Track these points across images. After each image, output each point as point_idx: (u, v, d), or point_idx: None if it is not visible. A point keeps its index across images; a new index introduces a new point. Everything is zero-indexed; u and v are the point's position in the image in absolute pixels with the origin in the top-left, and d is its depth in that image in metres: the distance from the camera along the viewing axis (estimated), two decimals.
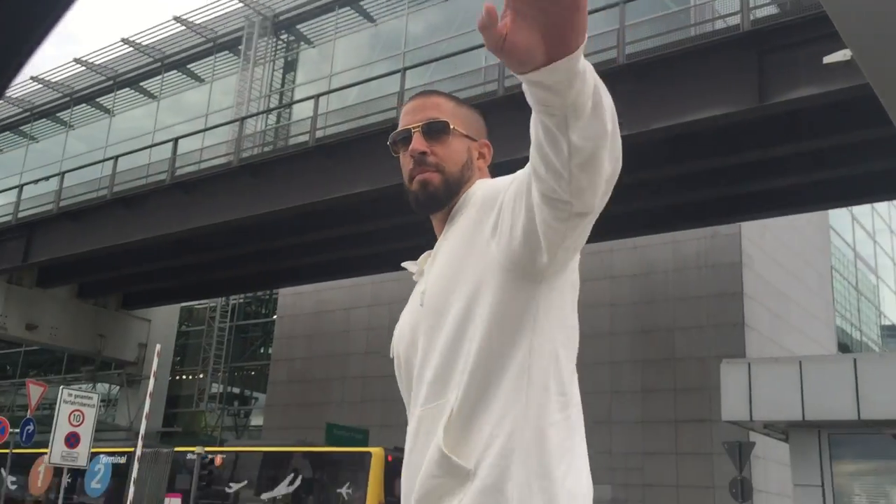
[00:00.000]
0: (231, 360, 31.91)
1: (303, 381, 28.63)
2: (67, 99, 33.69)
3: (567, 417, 1.63)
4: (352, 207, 20.12)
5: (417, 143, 1.76)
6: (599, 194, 1.47)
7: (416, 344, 1.74)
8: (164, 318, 32.56)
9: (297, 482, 17.14)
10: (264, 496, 17.38)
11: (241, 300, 32.60)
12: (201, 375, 31.83)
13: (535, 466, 1.53)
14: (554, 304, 1.69)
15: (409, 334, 1.78)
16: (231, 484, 17.94)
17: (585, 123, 1.31)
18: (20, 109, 35.44)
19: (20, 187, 26.06)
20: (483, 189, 1.73)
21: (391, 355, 1.90)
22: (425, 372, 1.69)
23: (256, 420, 31.43)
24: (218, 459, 16.63)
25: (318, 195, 19.51)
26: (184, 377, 34.02)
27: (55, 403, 30.15)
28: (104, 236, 23.69)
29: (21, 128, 36.47)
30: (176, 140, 22.35)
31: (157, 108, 31.73)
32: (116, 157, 23.63)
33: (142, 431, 16.48)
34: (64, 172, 25.20)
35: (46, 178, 25.47)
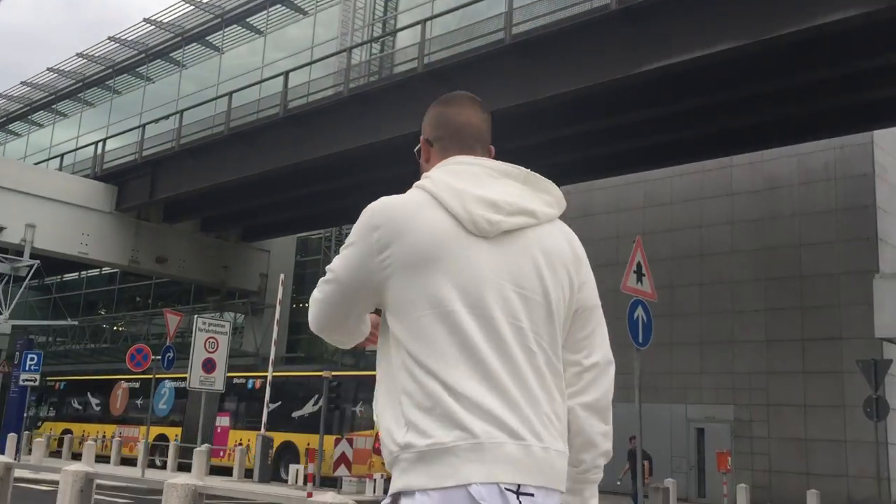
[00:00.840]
0: None
1: None
2: (179, 39, 34.55)
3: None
4: None
5: None
6: None
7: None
8: (282, 249, 33.63)
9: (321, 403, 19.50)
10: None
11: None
12: None
13: None
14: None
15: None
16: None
17: None
18: (135, 52, 36.63)
19: (142, 127, 27.06)
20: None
21: None
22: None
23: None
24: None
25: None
26: (303, 305, 35.26)
27: (184, 333, 32.19)
28: (223, 171, 24.47)
29: (137, 69, 37.74)
30: (287, 73, 22.61)
31: (263, 45, 32.18)
32: (231, 94, 24.18)
33: (272, 357, 17.24)
34: (182, 111, 25.97)
35: (166, 117, 26.34)
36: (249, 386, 23.95)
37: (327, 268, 1.79)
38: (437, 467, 1.58)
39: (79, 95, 41.23)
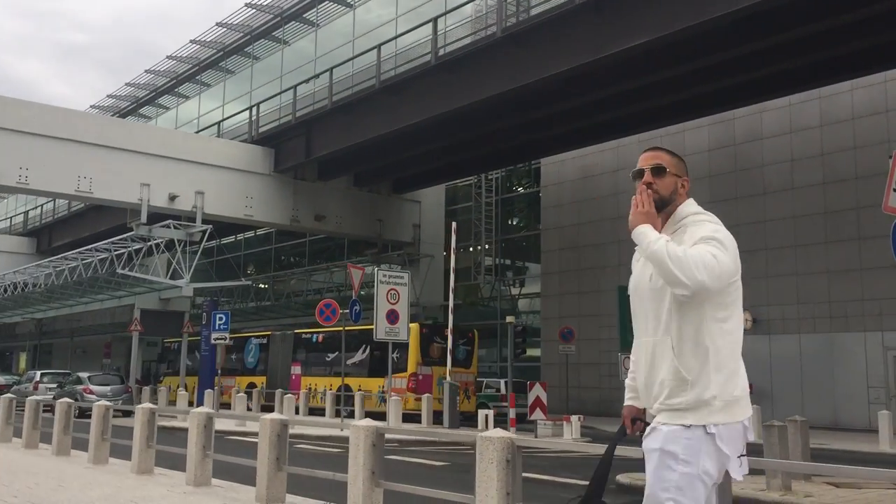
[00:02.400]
0: (500, 234, 32.65)
1: (575, 247, 28.69)
2: None
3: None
4: (622, 64, 19.14)
5: (647, 177, 2.85)
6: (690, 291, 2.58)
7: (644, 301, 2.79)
8: (432, 199, 33.79)
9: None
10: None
11: (501, 174, 32.91)
12: (472, 249, 32.92)
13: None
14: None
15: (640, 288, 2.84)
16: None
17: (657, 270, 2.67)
18: (271, 15, 37.26)
19: (294, 88, 27.52)
20: (690, 229, 2.77)
21: (628, 291, 2.90)
22: (649, 321, 2.77)
23: (531, 287, 32.18)
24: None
25: (589, 55, 18.74)
26: (460, 251, 35.48)
27: (340, 286, 33.17)
28: (375, 125, 24.59)
29: (274, 33, 38.42)
30: (435, 19, 22.29)
31: None
32: (379, 46, 24.12)
33: (450, 305, 17.24)
34: (332, 68, 26.18)
35: (317, 76, 26.63)
36: (313, 339, 27.10)
37: (718, 246, 2.63)
38: (733, 409, 2.62)
39: (220, 64, 42.50)
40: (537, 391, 14.93)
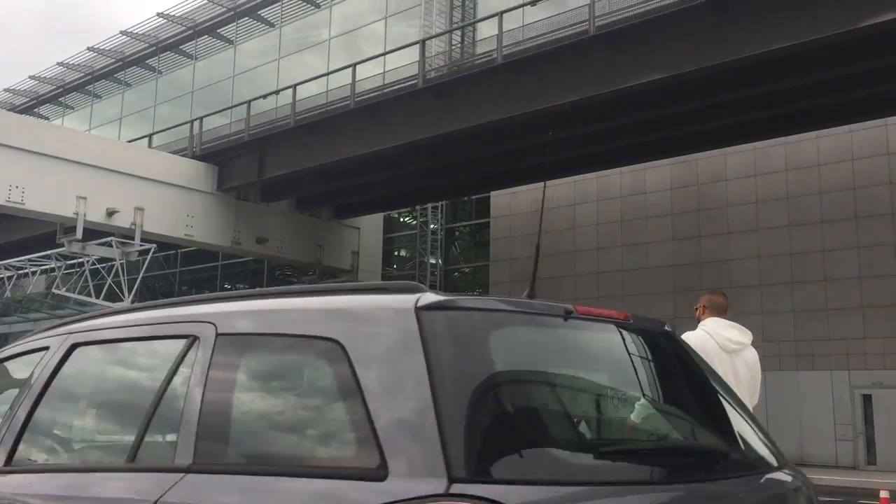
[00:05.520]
0: (445, 264, 32.11)
1: (528, 279, 28.47)
2: (231, 13, 33.61)
3: None
4: (566, 114, 19.59)
5: None
6: None
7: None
8: (371, 226, 32.88)
9: None
10: None
11: (447, 203, 32.53)
12: (416, 279, 32.21)
13: None
14: None
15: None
16: None
17: None
18: (182, 27, 35.81)
19: (248, 103, 26.13)
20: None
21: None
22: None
23: None
24: None
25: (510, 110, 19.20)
26: (390, 276, 34.61)
27: None
28: (345, 146, 23.63)
29: (182, 47, 36.76)
30: (423, 41, 21.78)
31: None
32: (354, 65, 23.30)
33: None
34: (296, 85, 25.05)
35: (276, 92, 25.42)
36: None
37: None
38: None
39: (117, 76, 40.35)
40: None
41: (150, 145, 29.89)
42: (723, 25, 16.89)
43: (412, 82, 21.73)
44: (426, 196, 30.37)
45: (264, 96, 26.42)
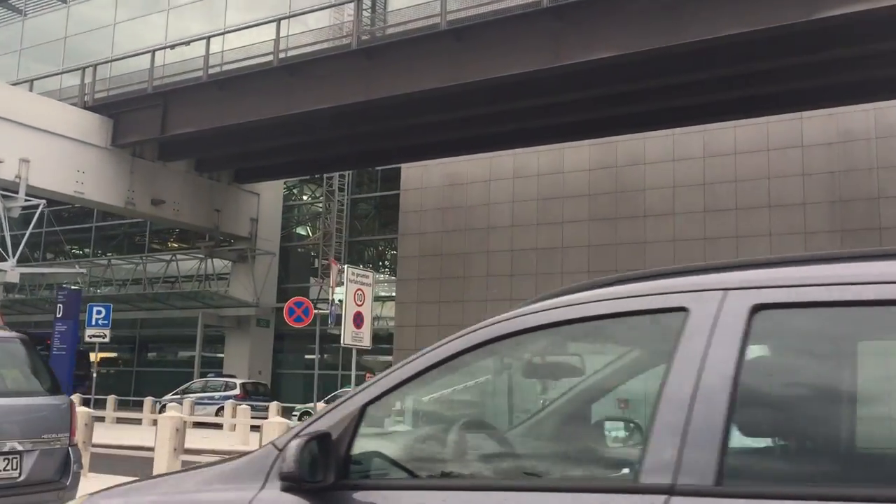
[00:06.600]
0: (349, 235, 31.10)
1: (438, 255, 28.04)
2: None
3: None
4: (483, 90, 19.59)
5: None
6: None
7: None
8: (272, 193, 31.45)
9: None
10: None
11: (351, 174, 31.52)
12: (319, 250, 31.08)
13: None
14: None
15: None
16: None
17: None
18: None
19: (152, 52, 24.12)
20: None
21: None
22: None
23: (382, 293, 31.00)
24: None
25: (449, 80, 18.95)
26: (299, 251, 33.36)
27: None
28: (264, 107, 22.28)
29: None
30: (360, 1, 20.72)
31: None
32: (279, 20, 21.88)
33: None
34: (210, 36, 23.31)
35: (187, 43, 23.58)
36: None
37: None
38: None
39: None
40: None
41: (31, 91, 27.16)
42: (674, 8, 16.93)
43: (345, 41, 20.65)
44: (333, 164, 29.27)
45: (172, 46, 24.45)
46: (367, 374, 13.18)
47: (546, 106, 21.14)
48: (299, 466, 1.81)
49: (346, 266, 14.72)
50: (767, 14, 16.12)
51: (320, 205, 31.60)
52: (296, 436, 1.89)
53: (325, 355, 33.31)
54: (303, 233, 34.12)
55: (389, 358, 27.52)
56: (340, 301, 14.40)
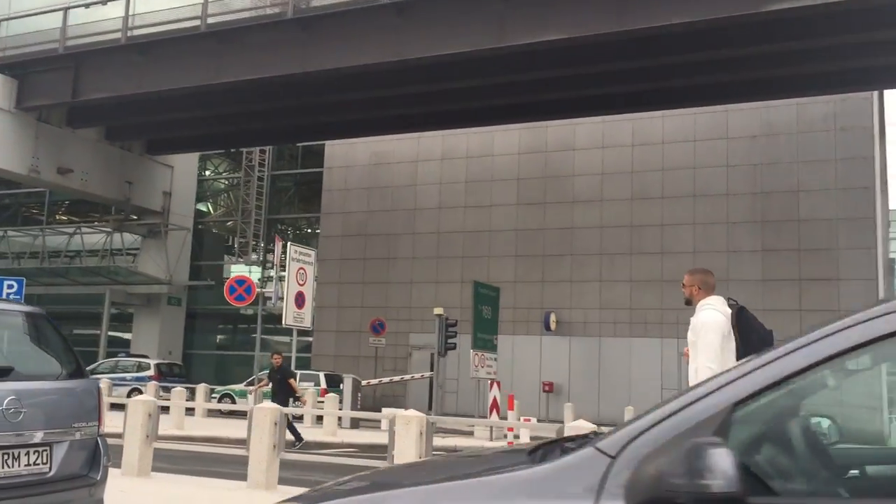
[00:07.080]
0: (268, 212, 30.10)
1: (362, 235, 27.48)
2: None
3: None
4: (422, 67, 19.42)
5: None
6: None
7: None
8: (185, 167, 30.10)
9: None
10: None
11: (272, 149, 30.49)
12: (236, 226, 29.97)
13: None
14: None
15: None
16: None
17: None
18: None
19: (65, 10, 22.54)
20: (698, 313, 5.35)
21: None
22: None
23: None
24: None
25: (390, 56, 18.69)
26: (206, 227, 32.04)
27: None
28: (184, 74, 21.17)
29: None
30: None
31: None
32: None
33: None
34: None
35: (104, 2, 22.13)
36: None
37: (704, 349, 5.16)
38: None
39: None
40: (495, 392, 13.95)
41: None
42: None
43: (280, 10, 19.81)
44: (253, 139, 28.25)
45: (87, 5, 22.89)
46: (274, 356, 12.60)
47: (481, 87, 20.92)
48: (740, 484, 1.43)
49: (289, 244, 14.09)
50: (710, 5, 16.30)
51: (238, 180, 30.45)
52: (697, 441, 1.50)
53: (237, 336, 32.35)
54: (218, 209, 32.88)
55: (309, 339, 26.87)
56: (281, 279, 13.80)
